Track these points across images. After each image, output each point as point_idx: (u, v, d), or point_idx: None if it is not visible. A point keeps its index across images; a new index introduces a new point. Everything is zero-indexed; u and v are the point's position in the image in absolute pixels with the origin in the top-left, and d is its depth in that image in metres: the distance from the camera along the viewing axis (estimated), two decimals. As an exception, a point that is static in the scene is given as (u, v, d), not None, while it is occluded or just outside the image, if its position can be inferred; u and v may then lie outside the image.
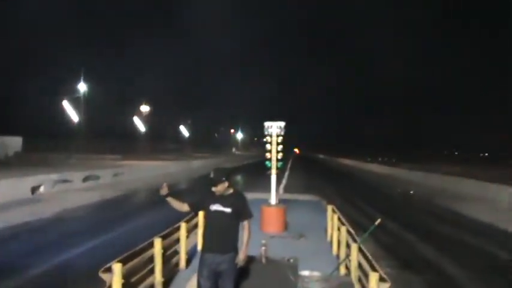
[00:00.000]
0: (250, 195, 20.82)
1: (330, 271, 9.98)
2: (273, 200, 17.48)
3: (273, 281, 8.35)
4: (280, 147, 17.23)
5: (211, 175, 7.42)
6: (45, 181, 29.27)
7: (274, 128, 17.18)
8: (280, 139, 17.21)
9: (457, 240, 18.78)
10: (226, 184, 7.43)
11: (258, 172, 39.99)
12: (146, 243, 9.35)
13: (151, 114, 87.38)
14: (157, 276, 9.46)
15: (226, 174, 7.55)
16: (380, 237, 17.97)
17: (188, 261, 11.69)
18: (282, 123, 17.14)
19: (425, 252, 16.25)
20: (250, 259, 8.15)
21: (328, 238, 15.42)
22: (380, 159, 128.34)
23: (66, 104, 62.80)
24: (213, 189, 7.40)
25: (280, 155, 17.28)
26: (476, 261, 15.01)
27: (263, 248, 8.56)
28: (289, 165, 79.90)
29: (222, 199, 7.42)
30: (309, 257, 12.41)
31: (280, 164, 17.42)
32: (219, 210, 7.38)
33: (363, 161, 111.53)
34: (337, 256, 12.60)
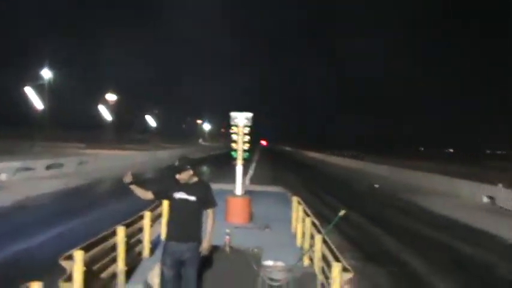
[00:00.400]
0: (215, 186, 20.65)
1: (293, 262, 9.99)
2: (239, 190, 17.46)
3: (237, 270, 8.33)
4: (246, 138, 17.20)
5: (176, 163, 7.35)
6: (6, 169, 28.78)
7: (241, 119, 17.14)
8: (247, 130, 17.17)
9: (421, 234, 19.02)
10: (190, 172, 7.37)
11: (224, 163, 39.96)
12: (109, 231, 9.24)
13: (118, 103, 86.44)
14: (120, 265, 9.35)
15: (191, 162, 7.49)
16: (345, 230, 18.08)
17: (152, 250, 11.60)
18: (250, 114, 17.10)
19: (389, 245, 16.42)
20: (214, 248, 8.11)
21: (293, 229, 15.46)
22: (347, 153, 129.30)
23: (29, 91, 61.54)
24: (178, 177, 7.32)
25: (246, 146, 17.25)
26: (439, 254, 15.23)
27: (227, 237, 8.53)
28: (256, 157, 79.95)
29: (186, 187, 7.35)
30: (274, 247, 12.38)
31: (246, 154, 17.39)
32: (183, 199, 7.31)
33: (330, 154, 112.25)
34: (302, 247, 12.62)
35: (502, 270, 13.44)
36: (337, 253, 8.82)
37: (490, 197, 31.28)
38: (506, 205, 28.72)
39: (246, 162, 17.43)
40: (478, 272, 13.21)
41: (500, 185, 32.85)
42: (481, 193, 32.62)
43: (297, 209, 14.95)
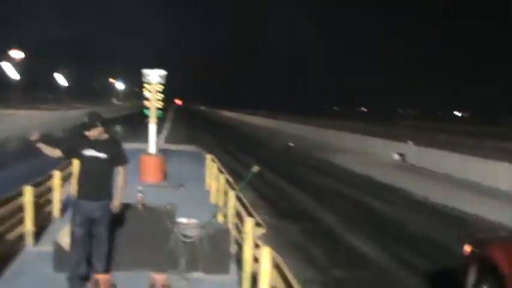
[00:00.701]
0: (129, 146, 20.37)
1: (208, 219, 10.01)
2: (152, 149, 17.25)
3: (150, 228, 8.24)
4: (160, 95, 16.94)
5: (85, 119, 7.12)
6: None
7: (154, 76, 16.82)
8: (160, 88, 16.90)
9: (334, 191, 19.47)
10: (100, 129, 7.16)
11: (137, 123, 39.36)
12: (15, 192, 8.91)
13: (25, 61, 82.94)
14: (28, 226, 9.07)
15: (101, 119, 7.28)
16: (259, 188, 18.25)
17: (63, 211, 11.31)
18: (163, 72, 16.80)
19: (303, 202, 16.72)
20: (126, 206, 7.98)
21: (207, 187, 15.48)
22: (262, 112, 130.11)
23: None
24: (87, 133, 7.09)
25: (159, 104, 17.01)
26: (352, 210, 15.64)
27: (140, 195, 8.41)
28: (170, 116, 79.22)
29: (96, 144, 7.14)
30: (188, 205, 12.35)
31: (159, 113, 17.16)
32: (93, 156, 7.10)
33: (246, 113, 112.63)
34: (216, 204, 12.66)
35: (412, 225, 13.98)
36: (250, 209, 8.90)
37: (401, 154, 32.38)
38: (416, 162, 29.84)
39: (161, 122, 17.17)
40: (389, 227, 13.66)
41: (410, 143, 34.02)
42: (392, 151, 33.69)
43: (211, 167, 14.96)
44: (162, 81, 16.73)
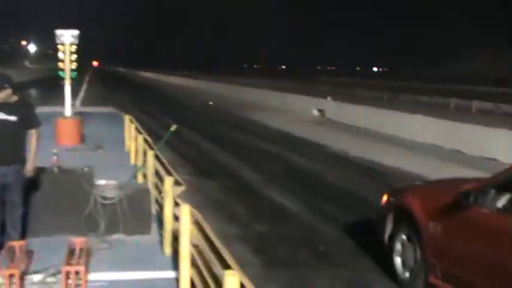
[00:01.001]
0: (44, 109, 19.85)
1: (127, 180, 9.87)
2: (68, 112, 16.80)
3: (67, 191, 8.05)
4: (74, 56, 16.44)
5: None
6: None
7: (68, 37, 16.32)
8: (74, 48, 16.39)
9: (255, 147, 19.56)
10: (9, 91, 6.86)
11: (52, 85, 38.11)
12: None
13: None
14: None
15: (9, 80, 6.98)
16: (179, 147, 18.12)
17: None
18: (76, 32, 16.29)
19: (223, 159, 16.71)
20: (40, 170, 7.74)
21: (126, 149, 15.25)
22: (180, 72, 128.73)
23: None
24: (-6, 96, 6.78)
25: (74, 65, 16.52)
26: (272, 166, 15.75)
27: (54, 157, 8.16)
28: (87, 78, 77.21)
29: (5, 107, 6.84)
30: (107, 167, 12.16)
31: (74, 74, 16.69)
32: (3, 119, 6.81)
33: (166, 74, 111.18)
34: (136, 166, 12.49)
35: (332, 179, 14.22)
36: (169, 167, 8.82)
37: (320, 110, 32.83)
38: (334, 117, 30.34)
39: (77, 84, 16.70)
40: (309, 181, 13.85)
41: (329, 98, 34.53)
42: (312, 107, 34.10)
43: (130, 128, 14.72)
44: (76, 42, 16.22)
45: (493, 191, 5.84)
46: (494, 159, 16.45)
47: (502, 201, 5.84)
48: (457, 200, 6.09)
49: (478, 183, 6.11)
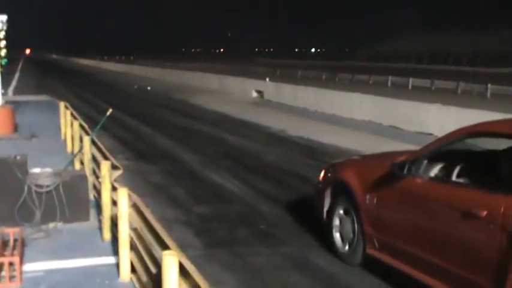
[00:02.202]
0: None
1: (63, 167, 9.63)
2: (-2, 101, 16.30)
3: (-1, 181, 7.78)
4: (2, 43, 15.93)
5: None
6: None
7: (-5, 23, 15.78)
8: (2, 34, 15.89)
9: (193, 130, 19.43)
10: None
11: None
12: None
13: None
14: None
15: None
16: (117, 132, 17.86)
17: None
18: (4, 17, 15.80)
19: (162, 143, 16.54)
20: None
21: (63, 136, 14.91)
22: (117, 58, 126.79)
23: None
24: None
25: (3, 52, 16.01)
26: (211, 148, 15.68)
27: (-16, 147, 7.87)
28: (19, 67, 75.14)
29: None
30: (43, 156, 11.89)
31: (4, 61, 16.21)
32: None
33: (101, 60, 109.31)
34: (72, 153, 12.22)
35: (271, 158, 14.25)
36: (106, 152, 8.65)
37: (259, 92, 32.90)
38: (273, 98, 30.46)
39: (9, 73, 16.20)
40: (248, 161, 13.84)
41: (267, 79, 34.67)
42: (250, 88, 34.13)
43: (65, 114, 14.39)
44: (4, 27, 15.72)
45: (425, 162, 5.99)
46: (430, 134, 16.80)
47: (434, 171, 5.99)
48: (391, 171, 6.22)
49: (410, 154, 6.23)
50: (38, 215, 7.80)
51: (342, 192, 7.15)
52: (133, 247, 5.98)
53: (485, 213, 4.89)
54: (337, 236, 7.21)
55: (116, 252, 6.49)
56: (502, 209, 4.74)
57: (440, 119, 17.74)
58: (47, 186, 7.91)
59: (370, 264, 6.63)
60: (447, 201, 5.45)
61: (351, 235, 6.89)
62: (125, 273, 6.05)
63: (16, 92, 32.13)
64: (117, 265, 6.27)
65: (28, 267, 6.32)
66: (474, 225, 5.02)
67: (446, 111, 18.09)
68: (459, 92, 38.31)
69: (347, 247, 7.00)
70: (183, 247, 5.91)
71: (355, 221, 6.79)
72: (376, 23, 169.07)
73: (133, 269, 5.98)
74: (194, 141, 16.81)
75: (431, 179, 5.91)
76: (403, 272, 5.98)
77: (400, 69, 73.29)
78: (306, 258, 7.18)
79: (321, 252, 7.33)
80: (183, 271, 4.01)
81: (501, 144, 5.73)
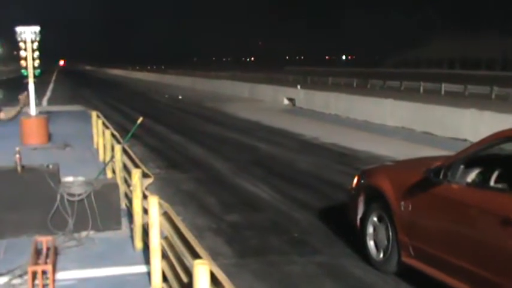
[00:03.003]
0: (8, 109, 19.36)
1: (95, 176, 9.66)
2: (33, 110, 16.46)
3: (32, 190, 7.81)
4: (36, 54, 16.13)
5: None
6: None
7: (28, 34, 16.03)
8: (35, 45, 16.09)
9: (225, 138, 19.37)
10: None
11: (18, 86, 37.47)
12: None
13: None
14: None
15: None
16: (148, 141, 17.92)
17: None
18: (37, 28, 16.02)
19: (193, 151, 16.52)
20: (2, 170, 7.51)
21: (95, 145, 15.00)
22: (149, 67, 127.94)
23: None
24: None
25: (37, 63, 16.21)
26: (243, 156, 15.60)
27: (17, 156, 7.89)
28: (53, 78, 76.24)
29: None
30: (75, 165, 11.99)
31: (38, 72, 16.39)
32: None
33: (132, 70, 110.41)
34: (104, 162, 12.26)
35: (303, 165, 14.11)
36: (137, 160, 8.64)
37: (290, 99, 32.82)
38: (305, 105, 30.34)
39: (43, 84, 16.44)
40: (281, 169, 13.71)
41: (298, 87, 34.60)
42: (282, 96, 34.08)
43: (97, 124, 14.48)
44: (37, 38, 15.93)
45: (461, 167, 5.85)
46: (465, 140, 16.51)
47: (471, 176, 5.86)
48: (427, 177, 6.07)
49: (446, 160, 6.07)
50: (70, 223, 7.81)
51: (375, 199, 7.00)
52: (164, 256, 5.92)
53: None
54: (371, 243, 7.06)
55: (147, 261, 6.43)
56: (543, 215, 4.57)
57: (474, 124, 17.42)
58: (79, 194, 7.92)
59: (406, 273, 6.46)
60: (485, 207, 5.28)
61: (385, 243, 6.74)
62: (157, 282, 5.99)
63: (50, 102, 32.59)
64: (149, 274, 6.22)
65: (61, 275, 6.32)
66: None
67: (480, 116, 17.76)
68: (493, 96, 37.68)
69: (381, 255, 6.84)
70: (213, 255, 5.85)
71: (389, 228, 6.64)
72: (404, 28, 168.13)
73: (164, 278, 5.91)
74: (225, 149, 16.76)
75: (468, 184, 5.77)
76: (439, 281, 5.81)
77: (432, 74, 72.60)
78: (341, 267, 7.04)
79: (356, 261, 7.18)
80: (214, 280, 3.92)
81: None
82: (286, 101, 33.24)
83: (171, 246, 5.66)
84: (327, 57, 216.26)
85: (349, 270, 6.94)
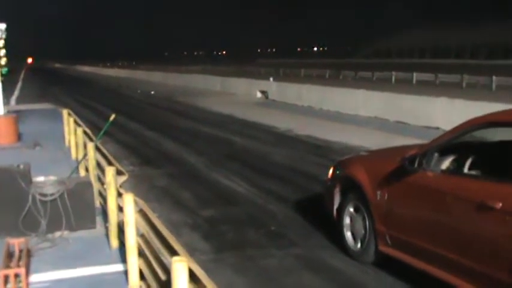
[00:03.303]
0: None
1: (68, 175, 9.50)
2: (0, 110, 16.18)
3: (2, 191, 7.63)
4: (2, 51, 15.85)
5: None
6: None
7: (-6, 32, 15.71)
8: (2, 43, 15.81)
9: (198, 133, 19.27)
10: None
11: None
12: None
13: None
14: None
15: None
16: (121, 138, 17.74)
17: None
18: (3, 25, 15.68)
19: (167, 147, 16.39)
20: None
21: (67, 144, 14.79)
22: (120, 63, 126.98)
23: None
24: None
25: (3, 61, 15.93)
26: (215, 149, 15.52)
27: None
28: (21, 76, 75.19)
29: None
30: (47, 164, 11.80)
31: (4, 70, 16.13)
32: None
33: (103, 66, 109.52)
34: (77, 160, 12.09)
35: (277, 157, 14.08)
36: (110, 158, 8.51)
37: (263, 92, 32.78)
38: (277, 97, 30.33)
39: (11, 83, 16.16)
40: (254, 162, 13.66)
41: (271, 79, 34.57)
42: (255, 89, 34.02)
43: (68, 122, 14.28)
44: (3, 36, 15.64)
45: (435, 155, 5.88)
46: (437, 128, 16.63)
47: (445, 164, 5.89)
48: (402, 166, 6.10)
49: (420, 148, 6.09)
50: (43, 224, 7.66)
51: (351, 189, 7.01)
52: (141, 254, 5.83)
53: (500, 204, 4.77)
54: (348, 234, 7.06)
55: (124, 259, 6.34)
56: (518, 200, 4.62)
57: (446, 112, 17.56)
58: (52, 194, 7.77)
59: (385, 264, 6.46)
60: (460, 194, 5.33)
61: (362, 232, 6.74)
62: (134, 281, 5.89)
63: (19, 101, 32.06)
64: (126, 273, 6.12)
65: (34, 278, 6.19)
66: (489, 217, 4.90)
67: (452, 105, 17.91)
68: (464, 85, 38.08)
69: (359, 245, 6.84)
70: (191, 251, 5.77)
71: (366, 218, 6.66)
72: (375, 20, 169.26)
73: (142, 276, 5.82)
74: (199, 144, 16.66)
75: (443, 172, 5.80)
76: (417, 269, 5.83)
77: (403, 64, 73.14)
78: (318, 259, 7.02)
79: (334, 252, 7.16)
80: (192, 277, 3.86)
81: (510, 135, 5.62)
82: (259, 94, 33.19)
83: (148, 243, 5.57)
84: (298, 49, 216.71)
85: (327, 262, 6.91)
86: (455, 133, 5.86)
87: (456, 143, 6.00)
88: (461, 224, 5.29)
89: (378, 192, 6.40)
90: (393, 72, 47.30)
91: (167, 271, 4.61)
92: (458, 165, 5.84)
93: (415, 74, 44.38)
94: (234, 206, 9.68)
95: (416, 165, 5.91)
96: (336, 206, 7.36)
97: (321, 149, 15.09)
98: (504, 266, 4.73)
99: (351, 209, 7.00)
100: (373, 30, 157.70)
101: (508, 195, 4.78)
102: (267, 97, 31.90)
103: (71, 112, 15.22)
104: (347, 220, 7.07)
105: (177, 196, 10.42)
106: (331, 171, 7.73)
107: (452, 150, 5.95)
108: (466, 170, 5.73)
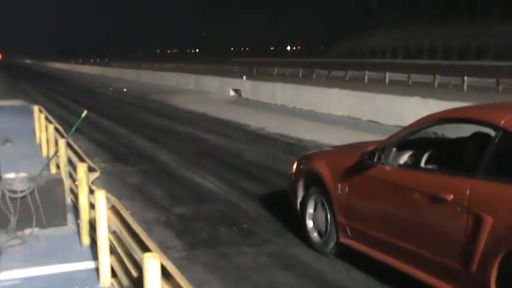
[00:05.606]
0: None
1: (38, 172, 9.41)
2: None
3: (-30, 188, 7.53)
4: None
5: None
6: None
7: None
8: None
9: (170, 130, 19.21)
10: None
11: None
12: None
13: None
14: None
15: None
16: (93, 135, 17.60)
17: None
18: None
19: (139, 144, 16.30)
20: None
21: (37, 140, 14.63)
22: (92, 60, 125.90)
23: None
24: None
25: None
26: (188, 147, 15.49)
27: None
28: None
29: None
30: (17, 161, 11.68)
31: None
32: None
33: (75, 63, 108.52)
34: (48, 157, 11.96)
35: (249, 155, 14.09)
36: (82, 154, 8.45)
37: (236, 90, 32.78)
38: (250, 96, 30.36)
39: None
40: (227, 159, 13.66)
41: (244, 78, 34.57)
42: (228, 87, 34.01)
43: (39, 118, 14.12)
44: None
45: (394, 149, 6.07)
46: (409, 127, 16.79)
47: (403, 158, 6.08)
48: (361, 160, 6.28)
49: (380, 143, 6.27)
50: (13, 221, 7.56)
51: (314, 183, 7.19)
52: (113, 251, 5.80)
53: (451, 196, 4.97)
54: (310, 226, 7.25)
55: (95, 256, 6.30)
56: (468, 192, 4.84)
57: (418, 111, 17.54)
58: (22, 191, 7.67)
59: (358, 258, 6.52)
60: (416, 187, 5.52)
61: (324, 225, 6.93)
62: (105, 278, 5.87)
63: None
64: (97, 270, 6.09)
65: (4, 275, 6.12)
66: (442, 209, 5.10)
67: (424, 104, 18.08)
68: (436, 85, 38.48)
69: (320, 237, 7.03)
70: (163, 249, 5.75)
71: (328, 211, 6.84)
72: (349, 19, 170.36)
73: (113, 274, 5.80)
74: (172, 141, 16.60)
75: (400, 166, 5.98)
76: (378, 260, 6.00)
77: (376, 64, 73.65)
78: (291, 255, 7.05)
79: (306, 248, 7.20)
80: (165, 274, 3.86)
81: (466, 132, 5.78)
82: (232, 92, 33.18)
83: (120, 240, 5.55)
84: (272, 47, 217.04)
85: (299, 258, 6.95)
86: (412, 128, 6.06)
87: (414, 139, 6.21)
88: (417, 215, 5.48)
89: (339, 186, 6.58)
90: (366, 72, 47.61)
91: (139, 268, 4.60)
92: (415, 160, 6.03)
93: (387, 74, 44.73)
94: (207, 203, 9.67)
95: (375, 159, 6.10)
96: (299, 200, 7.56)
97: (293, 147, 15.13)
98: (456, 255, 4.92)
99: (314, 202, 7.18)
100: (347, 29, 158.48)
101: (458, 187, 4.96)
102: (240, 95, 31.91)
103: (42, 108, 15.05)
104: (310, 212, 7.26)
105: (150, 193, 10.38)
106: (295, 165, 7.93)
107: (411, 146, 6.15)
108: (422, 164, 5.91)
